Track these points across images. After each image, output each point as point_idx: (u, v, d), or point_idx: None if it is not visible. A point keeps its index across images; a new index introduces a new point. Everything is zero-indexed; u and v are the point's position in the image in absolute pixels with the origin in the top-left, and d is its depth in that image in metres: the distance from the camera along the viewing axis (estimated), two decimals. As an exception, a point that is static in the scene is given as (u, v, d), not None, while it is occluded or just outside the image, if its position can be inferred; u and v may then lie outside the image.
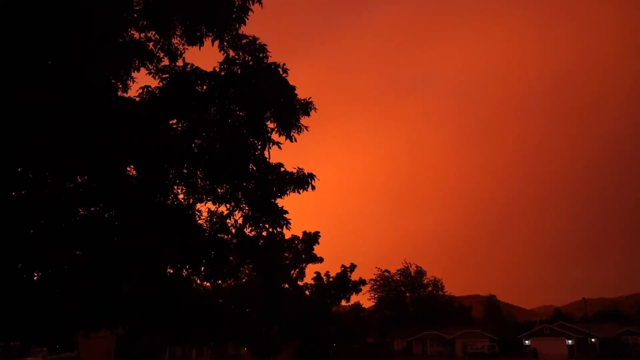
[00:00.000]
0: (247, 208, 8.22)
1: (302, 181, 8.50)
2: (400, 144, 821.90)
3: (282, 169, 8.51)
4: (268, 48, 7.84)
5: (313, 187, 8.56)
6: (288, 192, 8.46)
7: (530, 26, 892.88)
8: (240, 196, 8.06)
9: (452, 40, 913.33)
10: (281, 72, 7.79)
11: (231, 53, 7.82)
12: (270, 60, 7.82)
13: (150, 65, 8.06)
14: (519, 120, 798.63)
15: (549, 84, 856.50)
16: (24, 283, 6.78)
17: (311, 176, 8.55)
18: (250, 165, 7.85)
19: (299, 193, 8.57)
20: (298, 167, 8.62)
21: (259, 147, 7.93)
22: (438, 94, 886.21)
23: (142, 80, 8.00)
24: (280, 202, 8.38)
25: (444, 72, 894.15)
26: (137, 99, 7.50)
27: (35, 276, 7.08)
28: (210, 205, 8.34)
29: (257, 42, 7.84)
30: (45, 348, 7.51)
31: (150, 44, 8.09)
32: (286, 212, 8.38)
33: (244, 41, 7.82)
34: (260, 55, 7.78)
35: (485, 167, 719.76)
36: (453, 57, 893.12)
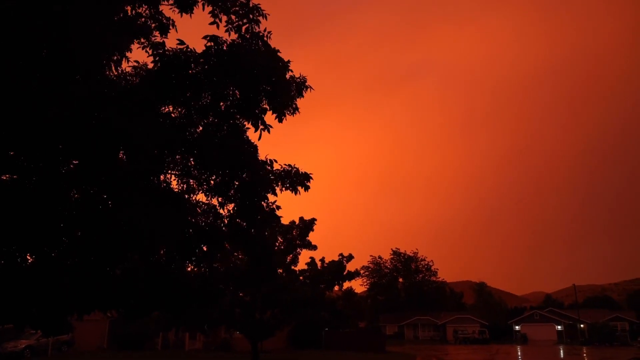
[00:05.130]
0: (238, 200, 8.05)
1: (297, 179, 8.10)
2: (394, 133, 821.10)
3: (276, 165, 8.00)
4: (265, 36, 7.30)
5: (307, 188, 8.13)
6: (282, 190, 8.12)
7: (532, 14, 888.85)
8: (231, 192, 7.93)
9: (453, 26, 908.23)
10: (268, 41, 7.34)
11: (224, 19, 7.37)
12: (265, 28, 7.36)
13: (143, 40, 7.80)
14: (513, 111, 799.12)
15: (543, 75, 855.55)
16: (16, 266, 6.79)
17: (307, 177, 8.13)
18: (242, 159, 7.56)
19: (295, 193, 8.11)
20: (292, 165, 8.16)
21: (252, 133, 7.73)
22: (434, 83, 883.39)
23: (133, 56, 7.81)
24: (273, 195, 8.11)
25: (444, 58, 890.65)
26: (133, 74, 7.34)
27: (28, 259, 7.09)
28: (202, 197, 8.31)
29: (250, 2, 7.33)
30: (39, 331, 7.56)
31: (142, 20, 7.90)
32: (278, 217, 8.28)
33: (236, 7, 7.35)
34: (256, 15, 7.29)
35: (477, 156, 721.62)
36: (453, 43, 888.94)
